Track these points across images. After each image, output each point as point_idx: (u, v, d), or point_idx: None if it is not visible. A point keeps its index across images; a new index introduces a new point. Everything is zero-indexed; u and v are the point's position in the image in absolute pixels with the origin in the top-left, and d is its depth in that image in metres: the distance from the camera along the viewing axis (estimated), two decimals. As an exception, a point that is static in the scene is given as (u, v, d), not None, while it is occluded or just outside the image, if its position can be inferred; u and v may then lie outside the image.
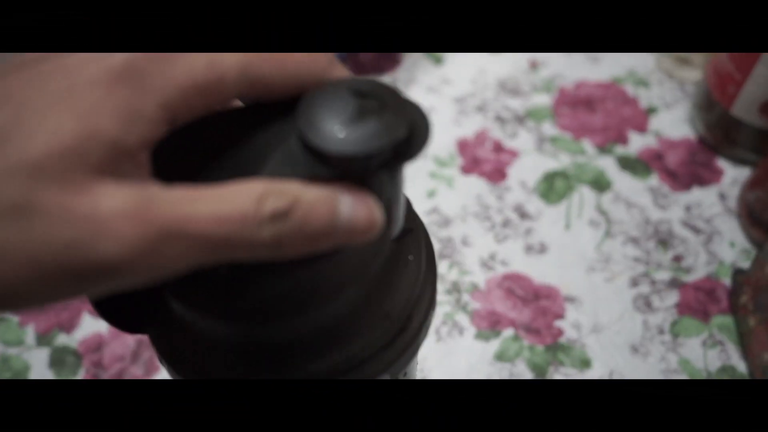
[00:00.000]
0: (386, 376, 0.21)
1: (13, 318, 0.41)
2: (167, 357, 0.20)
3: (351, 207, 0.16)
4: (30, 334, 0.40)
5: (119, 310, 0.20)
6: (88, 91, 0.14)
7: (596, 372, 0.37)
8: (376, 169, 0.16)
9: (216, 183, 0.15)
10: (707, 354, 0.38)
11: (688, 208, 0.43)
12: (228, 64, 0.16)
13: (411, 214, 0.21)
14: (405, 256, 0.21)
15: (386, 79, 0.53)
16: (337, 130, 0.16)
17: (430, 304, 0.21)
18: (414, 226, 0.21)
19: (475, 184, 0.46)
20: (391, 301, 0.20)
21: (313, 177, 0.16)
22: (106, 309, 0.19)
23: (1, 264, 0.13)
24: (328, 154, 0.16)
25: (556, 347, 0.38)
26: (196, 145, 0.17)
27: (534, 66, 0.53)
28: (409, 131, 0.17)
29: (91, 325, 0.40)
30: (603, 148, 0.47)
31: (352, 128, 0.16)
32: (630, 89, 0.50)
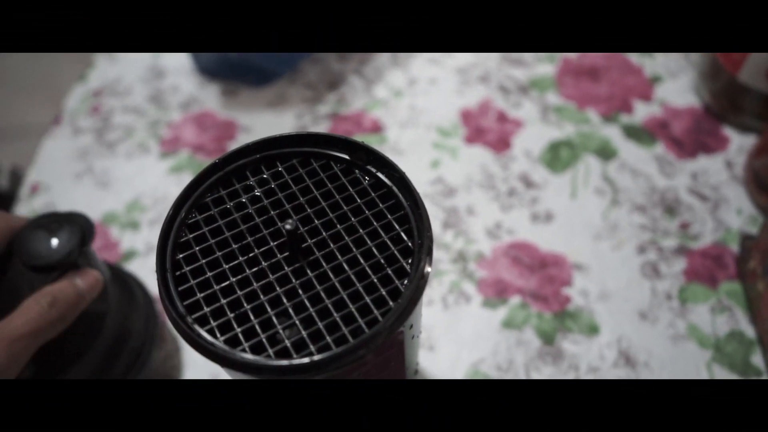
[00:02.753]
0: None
1: None
2: None
3: (83, 279, 0.30)
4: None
5: None
6: None
7: (604, 338, 0.37)
8: (78, 255, 0.30)
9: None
10: (715, 320, 0.37)
11: (694, 176, 0.43)
12: None
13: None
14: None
15: (386, 53, 0.52)
16: (45, 250, 0.29)
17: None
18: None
19: (480, 154, 0.45)
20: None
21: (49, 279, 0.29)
22: None
23: None
24: (51, 265, 0.29)
25: (564, 314, 0.38)
26: None
27: (537, 36, 0.52)
28: (82, 230, 0.30)
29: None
30: (608, 117, 0.46)
31: (52, 245, 0.29)
32: (634, 58, 0.50)
